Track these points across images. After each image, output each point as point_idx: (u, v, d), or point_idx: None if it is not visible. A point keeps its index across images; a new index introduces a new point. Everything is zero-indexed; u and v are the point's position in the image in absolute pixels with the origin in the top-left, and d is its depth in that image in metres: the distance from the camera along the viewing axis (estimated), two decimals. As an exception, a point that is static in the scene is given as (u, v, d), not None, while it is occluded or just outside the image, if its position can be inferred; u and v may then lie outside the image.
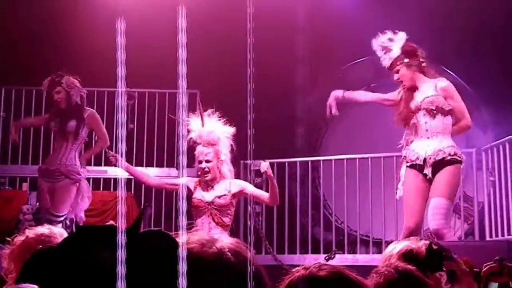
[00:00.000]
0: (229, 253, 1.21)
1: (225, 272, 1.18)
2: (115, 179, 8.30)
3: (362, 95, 6.27)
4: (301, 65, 9.50)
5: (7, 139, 8.59)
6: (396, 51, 5.79)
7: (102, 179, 8.45)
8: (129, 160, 8.40)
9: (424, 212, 5.70)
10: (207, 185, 5.77)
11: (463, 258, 2.88)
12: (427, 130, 5.70)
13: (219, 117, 5.77)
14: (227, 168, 5.82)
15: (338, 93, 6.06)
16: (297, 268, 1.77)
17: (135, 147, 8.57)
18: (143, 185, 8.55)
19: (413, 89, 5.79)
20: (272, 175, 5.73)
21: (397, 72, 5.83)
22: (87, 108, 7.14)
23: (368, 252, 8.09)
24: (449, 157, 5.63)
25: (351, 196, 8.02)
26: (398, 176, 5.94)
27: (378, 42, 5.85)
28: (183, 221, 1.16)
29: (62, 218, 6.78)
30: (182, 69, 1.25)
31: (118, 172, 7.80)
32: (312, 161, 8.63)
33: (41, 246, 2.84)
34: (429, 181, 5.67)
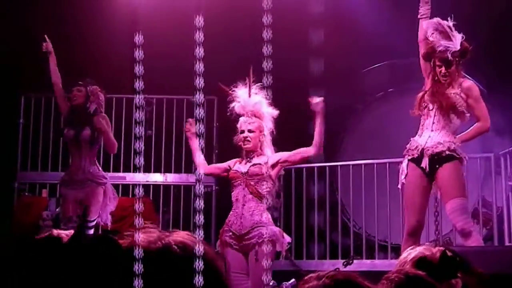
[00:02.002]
0: (175, 247, 1.20)
1: (169, 266, 1.17)
2: (134, 185, 8.34)
3: None
4: (318, 70, 9.51)
5: (27, 146, 8.68)
6: (456, 44, 5.65)
7: (120, 185, 8.50)
8: (147, 166, 8.46)
9: (426, 210, 5.68)
10: (247, 158, 5.69)
11: (478, 270, 2.86)
12: (433, 123, 5.65)
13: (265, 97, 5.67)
14: (268, 145, 5.73)
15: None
16: (310, 275, 1.76)
17: (154, 153, 8.61)
18: (161, 190, 8.62)
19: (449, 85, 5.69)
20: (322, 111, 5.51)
21: (447, 64, 5.65)
22: (100, 114, 7.10)
23: (386, 258, 8.06)
24: (447, 152, 5.55)
25: (369, 201, 8.01)
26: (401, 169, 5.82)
27: (439, 24, 5.67)
28: (200, 219, 1.17)
29: (94, 223, 6.84)
30: (200, 82, 1.27)
31: (136, 177, 7.86)
32: (330, 166, 8.62)
33: None
34: (428, 175, 5.62)
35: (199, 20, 1.31)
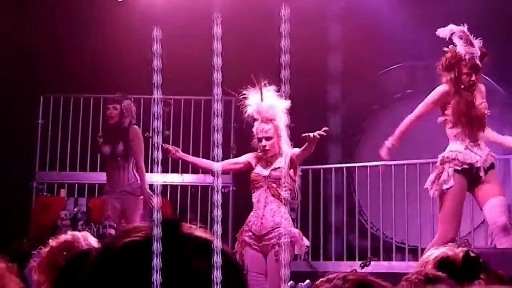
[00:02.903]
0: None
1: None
2: (151, 185, 8.36)
3: (407, 120, 6.08)
4: (336, 71, 9.50)
5: (45, 146, 8.73)
6: (478, 50, 5.64)
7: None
8: (164, 166, 8.48)
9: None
10: (267, 161, 5.73)
11: (497, 271, 2.83)
12: (470, 134, 5.63)
13: (275, 90, 5.65)
14: (286, 143, 5.71)
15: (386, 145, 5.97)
16: (320, 280, 1.75)
17: (171, 153, 8.62)
18: (178, 190, 8.64)
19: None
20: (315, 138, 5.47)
21: (476, 70, 5.62)
22: (133, 127, 7.35)
23: (403, 259, 8.03)
24: (493, 161, 5.70)
25: (386, 202, 7.98)
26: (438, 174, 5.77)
27: (463, 33, 5.61)
28: (218, 214, 1.17)
29: None
30: (218, 77, 1.27)
31: (154, 178, 7.88)
32: (347, 168, 8.60)
33: (65, 253, 2.86)
34: (468, 188, 5.65)
35: (217, 21, 1.31)
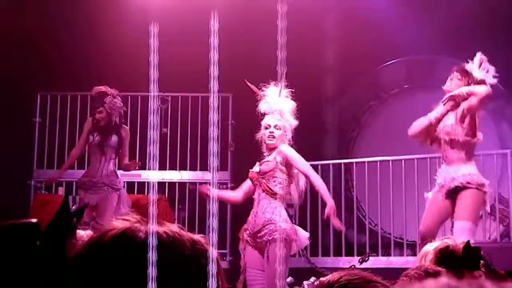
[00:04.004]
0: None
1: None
2: (149, 183, 8.35)
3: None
4: (333, 68, 9.50)
5: (43, 144, 8.72)
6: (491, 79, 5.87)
7: (136, 183, 8.52)
8: (162, 163, 8.47)
9: None
10: (263, 158, 5.74)
11: (497, 270, 2.83)
12: None
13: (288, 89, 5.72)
14: (287, 143, 5.73)
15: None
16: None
17: (169, 150, 8.62)
18: (176, 188, 8.64)
19: None
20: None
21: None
22: (123, 126, 7.39)
23: (402, 255, 8.05)
24: None
25: (384, 198, 7.99)
26: (432, 178, 5.96)
27: (482, 60, 5.89)
28: (213, 222, 1.17)
29: None
30: (214, 71, 1.27)
31: (151, 175, 7.88)
32: (345, 164, 8.61)
33: None
34: None
35: (214, 22, 1.31)
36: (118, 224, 1.18)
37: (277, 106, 5.71)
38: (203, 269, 1.12)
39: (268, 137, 5.67)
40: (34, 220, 1.23)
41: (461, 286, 0.78)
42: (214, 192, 5.66)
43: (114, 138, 7.22)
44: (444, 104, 5.93)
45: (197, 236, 1.19)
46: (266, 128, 5.70)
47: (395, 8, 8.73)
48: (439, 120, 5.92)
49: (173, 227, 1.18)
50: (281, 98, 5.73)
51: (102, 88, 7.30)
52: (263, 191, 5.62)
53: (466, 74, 5.89)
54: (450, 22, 8.52)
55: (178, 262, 1.13)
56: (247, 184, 5.90)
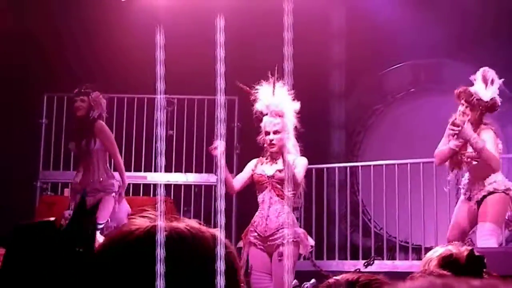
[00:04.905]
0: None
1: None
2: (155, 185, 8.37)
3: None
4: (338, 71, 9.50)
5: (49, 145, 8.74)
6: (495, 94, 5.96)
7: (141, 185, 8.53)
8: (168, 166, 8.48)
9: None
10: (272, 159, 5.70)
11: (491, 273, 2.82)
12: None
13: (288, 90, 5.63)
14: (292, 144, 5.70)
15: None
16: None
17: (175, 153, 8.63)
18: (182, 190, 8.65)
19: None
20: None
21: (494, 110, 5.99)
22: (98, 123, 7.00)
23: (407, 259, 8.03)
24: None
25: (390, 202, 7.97)
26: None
27: (486, 74, 5.92)
28: (221, 220, 1.18)
29: (101, 226, 6.88)
30: (220, 68, 1.28)
31: (157, 177, 7.88)
32: (351, 167, 8.60)
33: None
34: None
35: (220, 20, 1.32)
36: (140, 222, 1.20)
37: (273, 106, 5.67)
38: (231, 263, 1.14)
39: (270, 145, 5.66)
40: (52, 219, 1.26)
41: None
42: (222, 162, 5.51)
43: (84, 142, 6.87)
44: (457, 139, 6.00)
45: (214, 231, 1.21)
46: (267, 135, 5.68)
47: (400, 13, 8.72)
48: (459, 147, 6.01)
49: (193, 223, 1.21)
50: (276, 96, 5.69)
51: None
52: (277, 195, 5.64)
53: (475, 104, 5.91)
54: (456, 25, 8.51)
55: (204, 257, 1.14)
56: (244, 180, 5.86)
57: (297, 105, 5.67)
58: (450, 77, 8.35)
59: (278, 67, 5.55)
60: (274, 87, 5.64)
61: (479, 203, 5.92)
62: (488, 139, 5.87)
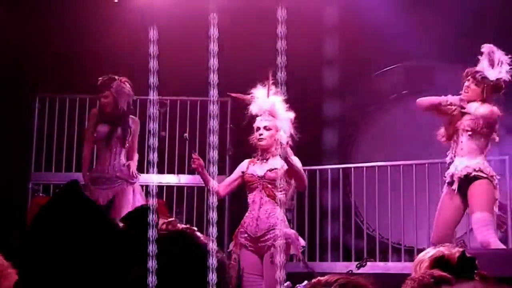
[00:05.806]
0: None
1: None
2: (147, 186, 8.35)
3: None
4: (332, 72, 9.50)
5: (41, 146, 8.71)
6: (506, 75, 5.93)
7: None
8: (161, 167, 8.46)
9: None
10: (262, 160, 5.72)
11: (481, 272, 2.81)
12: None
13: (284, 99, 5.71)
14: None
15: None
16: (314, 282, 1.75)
17: (167, 154, 8.62)
18: (174, 191, 8.63)
19: None
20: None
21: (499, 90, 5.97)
22: (131, 116, 7.01)
23: (399, 260, 8.04)
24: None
25: (382, 203, 7.98)
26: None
27: (491, 52, 5.95)
28: (213, 216, 1.18)
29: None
30: (214, 78, 1.28)
31: (150, 179, 7.86)
32: (343, 169, 8.61)
33: None
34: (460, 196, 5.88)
35: (213, 18, 1.32)
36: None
37: (267, 106, 5.71)
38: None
39: (258, 139, 5.69)
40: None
41: None
42: (205, 174, 5.77)
43: (120, 130, 6.79)
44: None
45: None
46: (257, 131, 5.72)
47: (393, 14, 8.73)
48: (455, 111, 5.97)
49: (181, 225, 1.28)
50: (270, 98, 5.72)
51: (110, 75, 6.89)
52: (268, 196, 5.63)
53: (480, 80, 5.90)
54: (450, 28, 8.53)
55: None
56: (231, 183, 5.88)
57: (291, 114, 5.70)
58: (443, 80, 8.37)
59: (273, 72, 5.58)
60: (269, 89, 5.68)
61: (463, 183, 5.86)
62: (487, 108, 5.86)
